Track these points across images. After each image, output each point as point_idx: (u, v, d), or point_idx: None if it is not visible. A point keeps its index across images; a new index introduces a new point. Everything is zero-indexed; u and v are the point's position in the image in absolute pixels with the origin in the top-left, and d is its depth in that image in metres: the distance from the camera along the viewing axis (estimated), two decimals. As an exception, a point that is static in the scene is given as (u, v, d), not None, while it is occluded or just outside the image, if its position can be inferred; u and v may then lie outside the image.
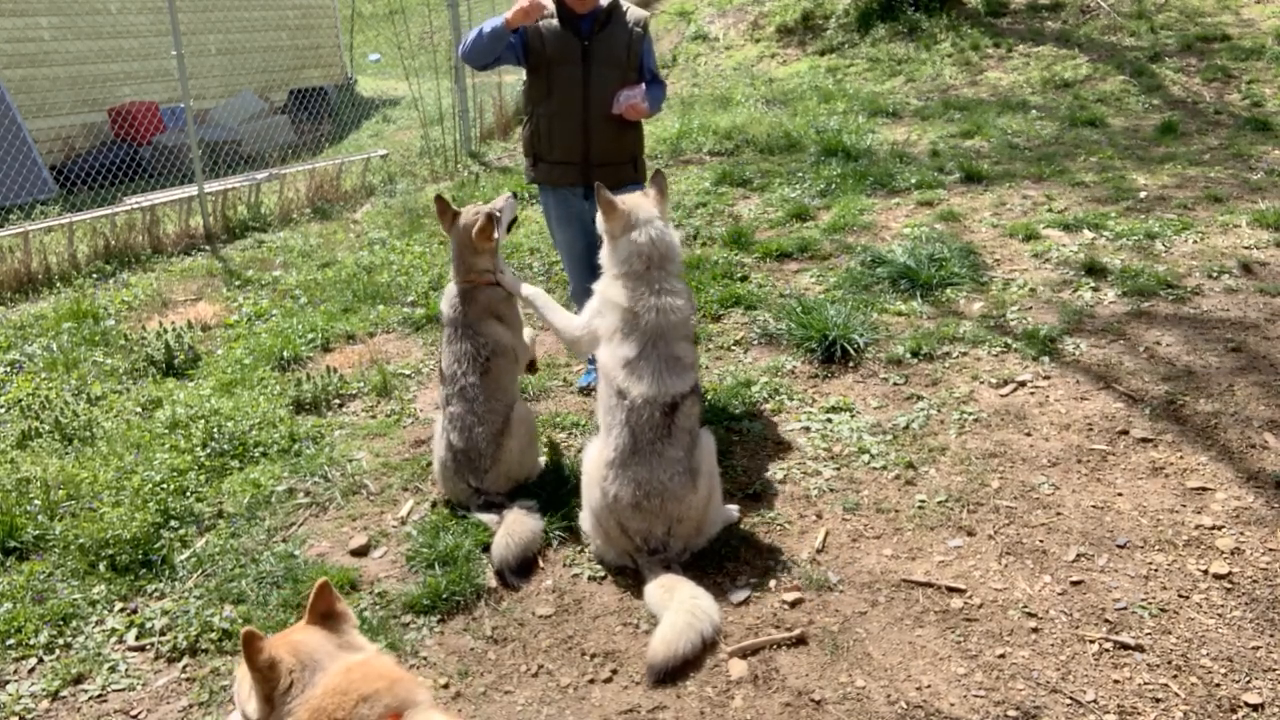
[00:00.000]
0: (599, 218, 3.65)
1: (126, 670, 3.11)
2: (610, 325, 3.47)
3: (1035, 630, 2.97)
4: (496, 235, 3.94)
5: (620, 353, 3.40)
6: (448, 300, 3.96)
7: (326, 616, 1.89)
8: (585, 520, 3.49)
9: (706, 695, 2.81)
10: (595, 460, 3.41)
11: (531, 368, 4.39)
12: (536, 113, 4.41)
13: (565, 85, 4.27)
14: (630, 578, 3.35)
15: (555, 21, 4.25)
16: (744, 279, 5.95)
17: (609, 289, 3.54)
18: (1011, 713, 2.67)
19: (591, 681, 2.91)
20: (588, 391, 4.71)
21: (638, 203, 3.61)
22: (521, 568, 3.42)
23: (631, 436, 3.30)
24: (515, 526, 3.52)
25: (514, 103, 12.07)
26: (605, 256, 3.61)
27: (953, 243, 6.11)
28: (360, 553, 3.63)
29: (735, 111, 10.51)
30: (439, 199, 4.04)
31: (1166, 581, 3.14)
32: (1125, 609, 3.02)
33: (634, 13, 4.37)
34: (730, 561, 3.42)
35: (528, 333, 4.15)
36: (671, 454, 3.30)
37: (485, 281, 3.93)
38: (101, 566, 3.56)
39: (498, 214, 3.98)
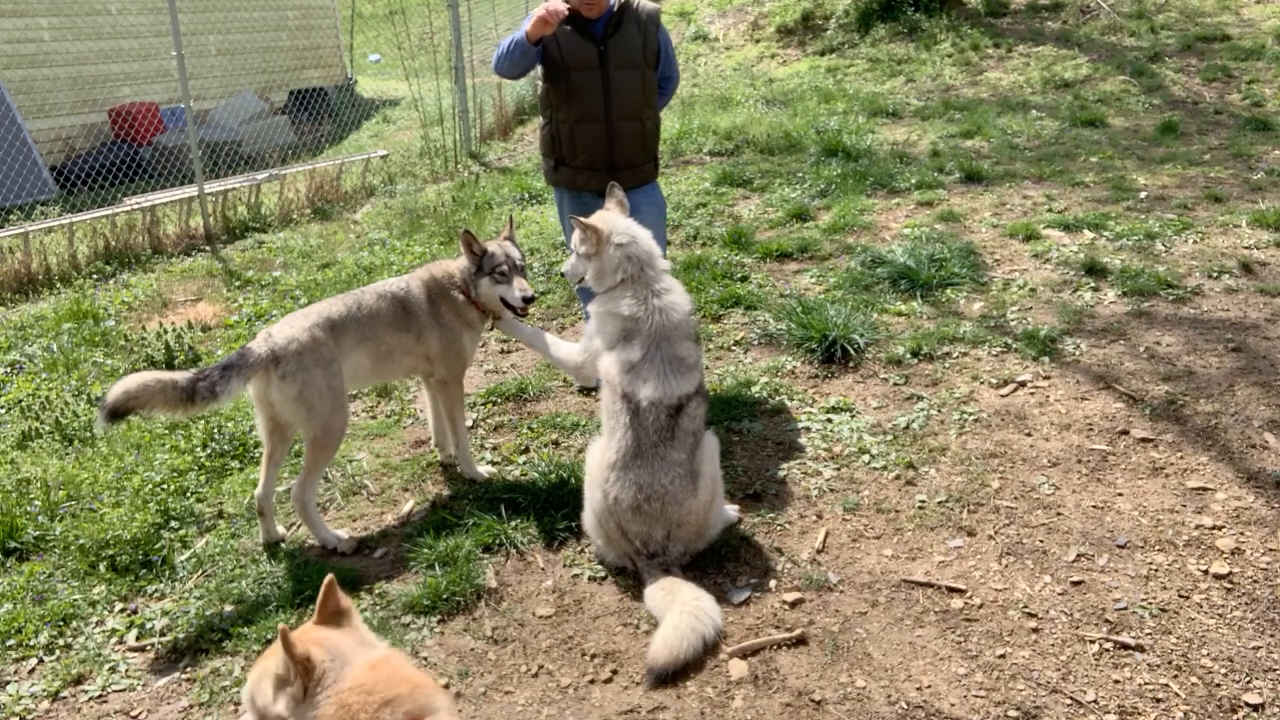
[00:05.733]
0: (575, 242, 3.66)
1: (127, 670, 3.11)
2: (612, 336, 3.48)
3: (1035, 630, 2.97)
4: (471, 294, 3.89)
5: (624, 358, 3.41)
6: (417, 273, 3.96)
7: (335, 614, 1.91)
8: (587, 521, 3.49)
9: (707, 695, 2.81)
10: (597, 462, 3.41)
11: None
12: (556, 118, 4.40)
13: (586, 91, 4.26)
14: (631, 578, 3.35)
15: (569, 27, 4.24)
16: (744, 279, 5.95)
17: (606, 304, 3.55)
18: (1012, 713, 2.67)
19: (592, 682, 2.91)
20: (588, 391, 4.71)
21: (606, 217, 3.65)
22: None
23: (635, 439, 3.30)
24: None
25: (514, 103, 12.08)
26: (593, 277, 3.61)
27: (953, 243, 6.11)
28: (349, 553, 3.63)
29: (735, 112, 10.51)
30: (466, 233, 3.87)
31: (1167, 581, 3.14)
32: (1125, 609, 3.02)
33: (645, 8, 4.37)
34: (730, 562, 3.41)
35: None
36: (674, 457, 3.29)
37: (473, 302, 3.91)
38: (102, 567, 3.56)
39: (505, 265, 3.82)
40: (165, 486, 4.04)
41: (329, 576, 1.92)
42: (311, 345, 3.50)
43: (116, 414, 3.25)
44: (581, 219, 3.59)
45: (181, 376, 3.32)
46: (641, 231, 3.60)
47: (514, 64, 4.26)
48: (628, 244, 3.52)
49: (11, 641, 3.23)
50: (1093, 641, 2.90)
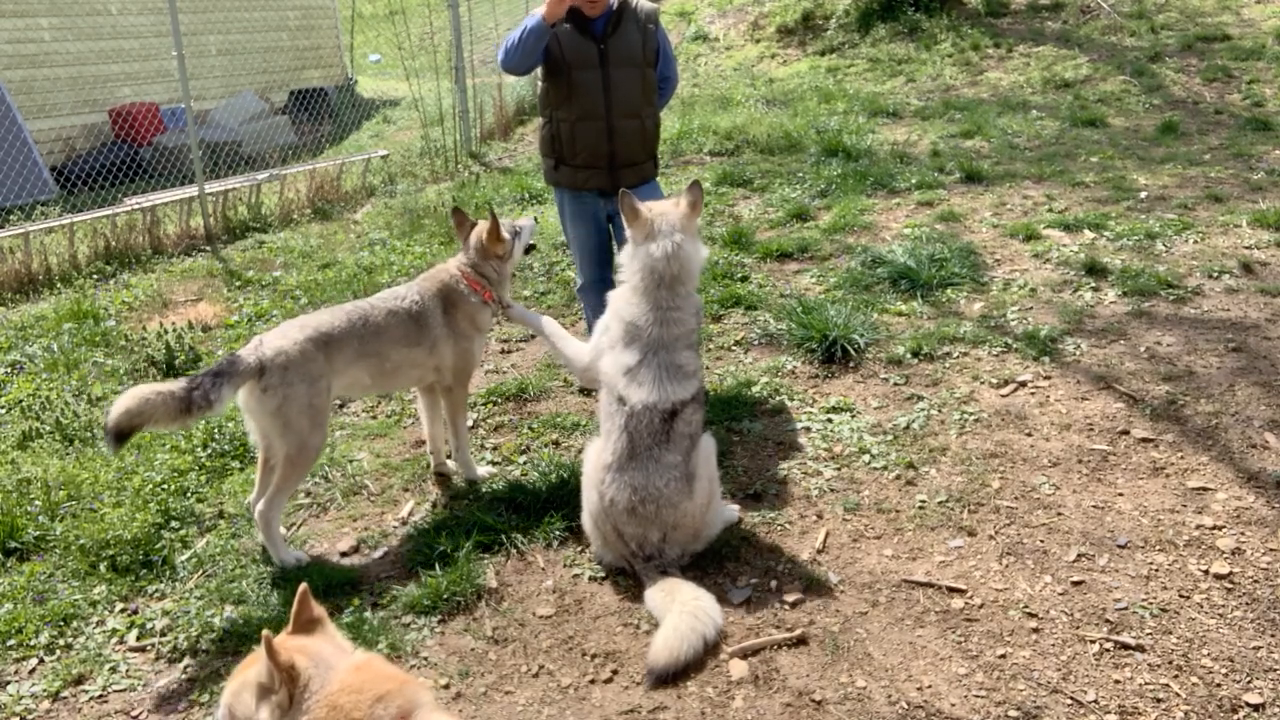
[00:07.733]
0: (624, 221, 3.54)
1: (127, 670, 3.10)
2: (614, 337, 3.47)
3: (1036, 630, 2.97)
4: (507, 248, 3.94)
5: (622, 360, 3.40)
6: (419, 281, 3.91)
7: (310, 623, 1.92)
8: (585, 522, 3.49)
9: (707, 695, 2.81)
10: (594, 463, 3.41)
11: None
12: (556, 117, 4.40)
13: (586, 90, 4.26)
14: (631, 578, 3.35)
15: (569, 26, 4.25)
16: (744, 279, 5.95)
17: (617, 302, 3.51)
18: (1012, 713, 2.67)
19: (592, 682, 2.91)
20: (588, 391, 4.71)
21: (663, 211, 3.48)
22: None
23: (630, 441, 3.29)
24: None
25: (514, 103, 12.08)
26: (624, 258, 3.55)
27: (953, 243, 6.11)
28: (349, 553, 3.63)
29: (735, 112, 10.51)
30: (456, 210, 4.03)
31: (1167, 581, 3.14)
32: (1126, 609, 3.02)
33: (644, 8, 4.37)
34: (731, 562, 3.41)
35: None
36: (669, 459, 3.29)
37: (482, 291, 3.90)
38: (102, 567, 3.56)
39: (516, 229, 4.01)
40: (166, 486, 4.04)
41: (303, 586, 1.93)
42: (299, 360, 3.44)
43: (122, 435, 3.23)
44: (634, 204, 3.44)
45: (176, 387, 3.29)
46: (683, 244, 3.42)
47: (526, 53, 4.21)
48: (660, 255, 3.39)
49: (12, 641, 3.23)
50: (1093, 641, 2.90)
